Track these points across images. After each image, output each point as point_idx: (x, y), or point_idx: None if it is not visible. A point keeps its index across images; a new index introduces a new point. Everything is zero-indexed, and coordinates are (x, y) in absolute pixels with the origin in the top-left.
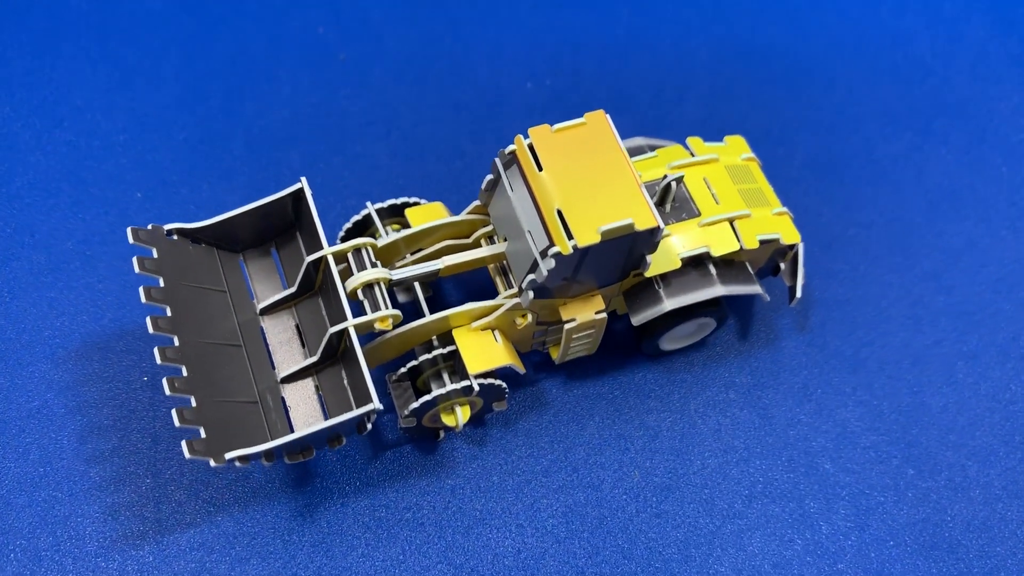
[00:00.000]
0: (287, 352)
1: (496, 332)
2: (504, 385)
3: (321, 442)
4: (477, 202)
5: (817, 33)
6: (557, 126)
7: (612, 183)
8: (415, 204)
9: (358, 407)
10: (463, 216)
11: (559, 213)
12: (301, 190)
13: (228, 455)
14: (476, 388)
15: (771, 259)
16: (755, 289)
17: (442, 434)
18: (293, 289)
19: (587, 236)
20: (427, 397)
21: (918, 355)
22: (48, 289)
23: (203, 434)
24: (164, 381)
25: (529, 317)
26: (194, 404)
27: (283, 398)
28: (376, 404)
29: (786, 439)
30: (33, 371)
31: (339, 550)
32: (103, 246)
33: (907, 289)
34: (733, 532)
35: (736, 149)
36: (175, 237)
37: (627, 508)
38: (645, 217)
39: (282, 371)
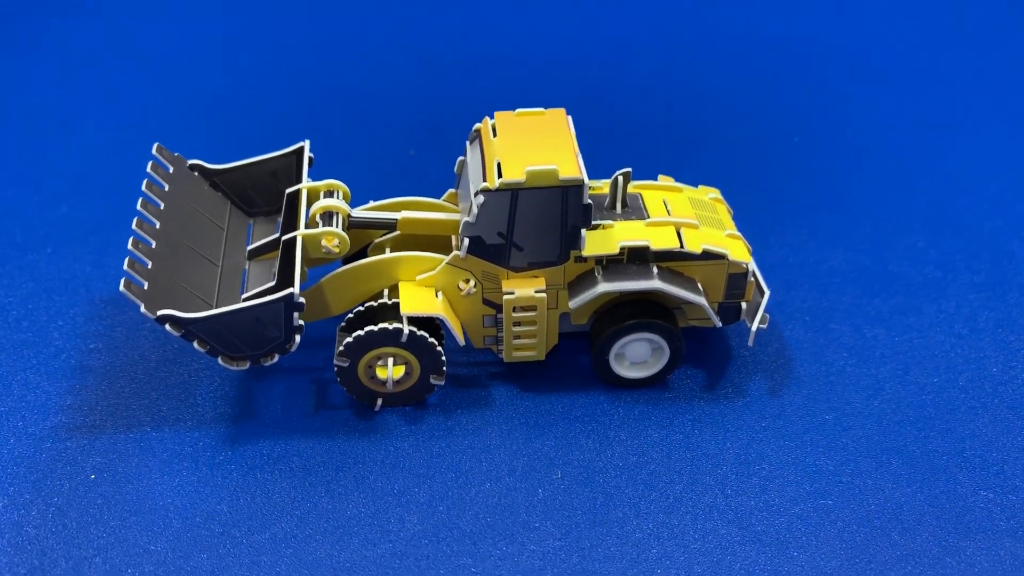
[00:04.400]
0: (256, 285)
1: (440, 293)
2: (441, 352)
3: (253, 348)
4: (452, 189)
5: (860, 173)
6: (519, 111)
7: (552, 148)
8: None
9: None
10: (441, 200)
11: (498, 164)
12: (302, 149)
13: (160, 311)
14: (407, 333)
15: (730, 295)
16: (699, 300)
17: (379, 403)
18: (278, 234)
19: (514, 174)
20: (359, 332)
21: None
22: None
23: (145, 287)
24: (130, 240)
25: (472, 283)
26: (149, 267)
27: None
28: (295, 290)
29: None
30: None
31: (247, 476)
32: None
33: (901, 375)
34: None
35: (706, 191)
36: (196, 174)
37: (547, 501)
38: (571, 168)
39: (245, 294)
